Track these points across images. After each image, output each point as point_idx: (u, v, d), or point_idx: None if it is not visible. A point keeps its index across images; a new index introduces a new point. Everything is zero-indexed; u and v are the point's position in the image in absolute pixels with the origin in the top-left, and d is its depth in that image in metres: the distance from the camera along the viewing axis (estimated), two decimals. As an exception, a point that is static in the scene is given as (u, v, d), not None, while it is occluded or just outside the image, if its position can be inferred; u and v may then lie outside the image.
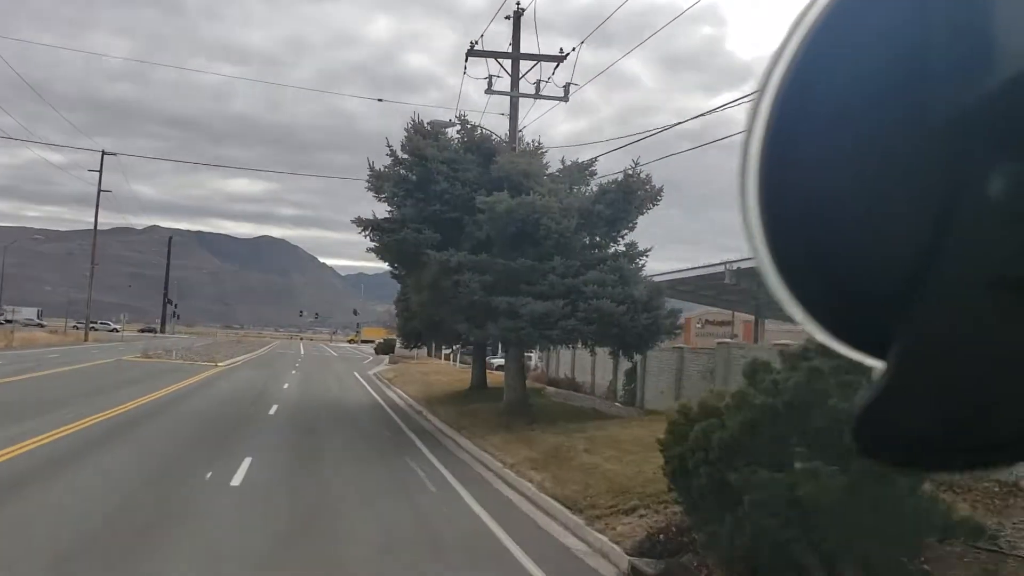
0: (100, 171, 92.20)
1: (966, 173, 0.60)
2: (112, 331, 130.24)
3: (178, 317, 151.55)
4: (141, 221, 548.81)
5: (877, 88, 0.63)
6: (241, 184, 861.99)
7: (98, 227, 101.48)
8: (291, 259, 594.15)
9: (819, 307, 0.68)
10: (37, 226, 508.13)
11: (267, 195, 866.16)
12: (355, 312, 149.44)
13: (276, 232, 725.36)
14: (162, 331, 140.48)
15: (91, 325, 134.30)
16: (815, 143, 0.65)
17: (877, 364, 0.67)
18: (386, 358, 76.64)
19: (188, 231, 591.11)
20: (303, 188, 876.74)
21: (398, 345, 58.94)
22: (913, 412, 0.66)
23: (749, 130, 0.66)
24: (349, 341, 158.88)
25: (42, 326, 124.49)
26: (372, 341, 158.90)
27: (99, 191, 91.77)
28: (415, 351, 66.12)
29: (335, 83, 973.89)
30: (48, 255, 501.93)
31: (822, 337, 0.69)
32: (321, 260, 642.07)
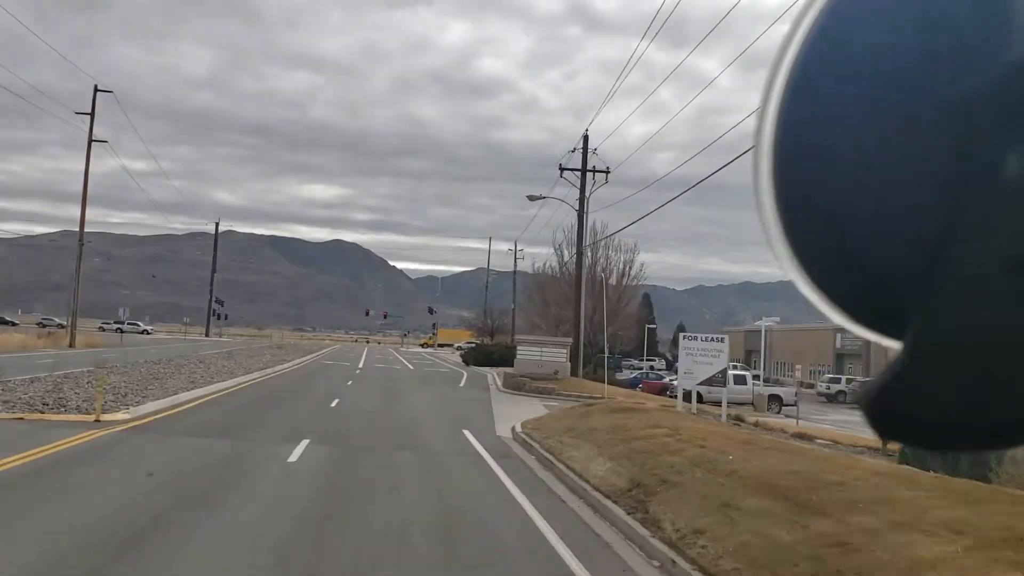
0: (92, 113, 62.62)
1: (981, 153, 0.57)
2: (142, 332, 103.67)
3: (225, 317, 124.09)
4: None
5: (890, 68, 0.60)
6: (316, 190, 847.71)
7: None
8: (363, 263, 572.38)
9: (835, 289, 0.65)
10: (119, 232, 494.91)
11: (341, 200, 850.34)
12: (431, 311, 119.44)
13: (349, 237, 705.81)
14: (207, 334, 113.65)
15: (118, 326, 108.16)
16: (828, 125, 0.62)
17: (893, 345, 0.64)
18: (490, 376, 45.66)
19: (262, 236, 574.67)
20: (377, 194, 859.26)
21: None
22: (928, 393, 0.64)
23: (762, 113, 0.64)
24: (422, 345, 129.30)
25: (62, 326, 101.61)
26: (450, 345, 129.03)
27: (90, 139, 62.14)
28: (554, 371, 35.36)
29: (409, 90, 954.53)
30: (127, 259, 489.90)
31: (838, 319, 0.66)
32: (392, 263, 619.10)
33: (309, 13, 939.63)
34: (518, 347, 37.50)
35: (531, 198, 38.02)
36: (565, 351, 36.54)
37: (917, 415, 0.65)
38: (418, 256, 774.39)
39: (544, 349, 36.49)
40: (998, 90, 0.56)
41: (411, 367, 53.49)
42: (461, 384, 38.82)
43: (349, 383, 34.02)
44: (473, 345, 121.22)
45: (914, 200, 0.60)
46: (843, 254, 0.64)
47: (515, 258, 74.18)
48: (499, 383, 39.23)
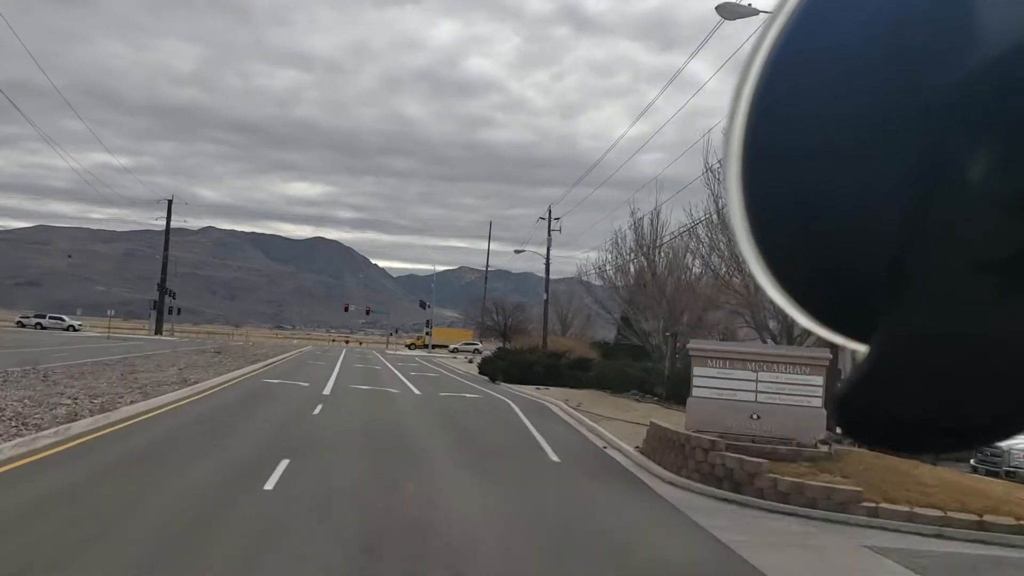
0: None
1: (947, 155, 0.56)
2: (67, 329, 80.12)
3: (178, 312, 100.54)
4: (198, 223, 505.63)
5: (857, 71, 0.59)
6: (300, 188, 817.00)
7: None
8: (345, 260, 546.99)
9: (802, 293, 0.63)
10: (96, 227, 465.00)
11: (325, 198, 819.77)
12: (423, 305, 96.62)
13: (332, 235, 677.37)
14: (157, 332, 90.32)
15: (37, 321, 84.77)
16: (796, 128, 0.61)
17: (860, 348, 0.62)
18: (569, 417, 23.31)
19: (242, 232, 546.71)
20: (361, 192, 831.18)
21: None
22: (897, 395, 0.62)
23: (731, 115, 0.62)
24: (409, 345, 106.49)
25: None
26: (444, 346, 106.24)
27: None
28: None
29: (396, 88, 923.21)
30: (105, 255, 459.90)
31: (805, 322, 0.64)
32: (373, 261, 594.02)
33: (299, 11, 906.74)
34: (694, 369, 15.07)
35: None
36: (819, 381, 14.31)
37: (886, 417, 0.63)
38: (400, 255, 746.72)
39: (775, 378, 14.12)
40: (963, 93, 0.55)
41: (416, 390, 30.74)
42: (552, 455, 16.19)
43: (267, 486, 11.30)
44: (475, 348, 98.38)
45: (880, 203, 0.58)
46: (810, 257, 0.62)
47: (549, 230, 51.66)
48: (621, 445, 16.91)
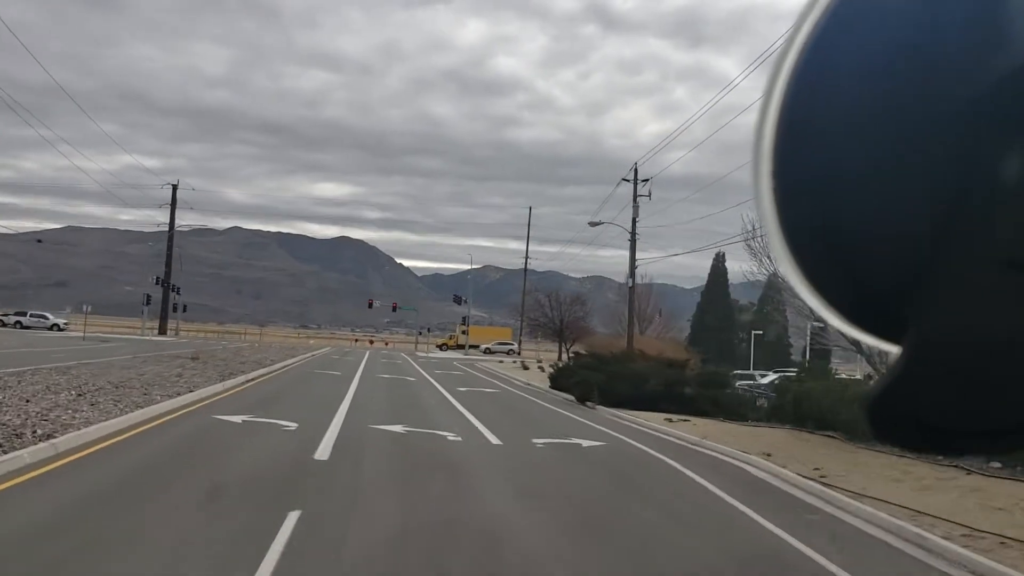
0: None
1: (979, 156, 0.55)
2: (52, 328, 68.07)
3: (184, 309, 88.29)
4: (225, 223, 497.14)
5: (889, 72, 0.58)
6: (328, 188, 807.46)
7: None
8: (370, 260, 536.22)
9: (834, 293, 0.63)
10: (124, 228, 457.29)
11: (352, 198, 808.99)
12: (459, 301, 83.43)
13: (358, 234, 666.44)
14: (161, 332, 78.46)
15: (17, 319, 73.04)
16: (828, 129, 0.60)
17: (893, 349, 0.61)
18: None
19: (268, 232, 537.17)
20: (388, 192, 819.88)
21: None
22: (928, 397, 0.61)
23: (762, 118, 0.61)
24: (441, 346, 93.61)
25: None
26: (476, 347, 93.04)
27: None
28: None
29: (424, 89, 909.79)
30: (134, 256, 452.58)
31: (838, 323, 0.63)
32: (398, 261, 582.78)
33: (328, 12, 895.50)
34: None
35: None
36: None
37: (917, 418, 0.62)
38: (424, 254, 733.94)
39: None
40: (993, 98, 0.54)
41: (487, 432, 17.22)
42: None
43: None
44: (510, 348, 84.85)
45: (911, 205, 0.58)
46: (842, 259, 0.61)
47: (635, 195, 38.18)
48: None
